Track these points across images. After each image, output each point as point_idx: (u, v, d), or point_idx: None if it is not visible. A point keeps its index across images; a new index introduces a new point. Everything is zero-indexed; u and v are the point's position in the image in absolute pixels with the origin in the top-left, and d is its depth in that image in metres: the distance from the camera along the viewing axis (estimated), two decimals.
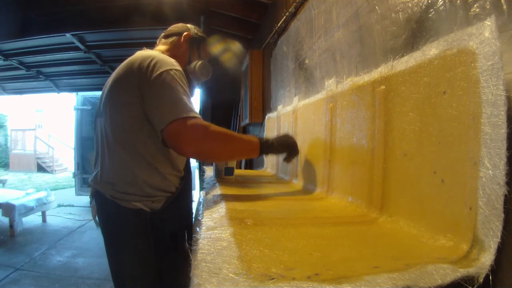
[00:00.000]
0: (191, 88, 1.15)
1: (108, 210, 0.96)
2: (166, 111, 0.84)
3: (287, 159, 1.11)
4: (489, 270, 0.43)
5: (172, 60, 0.93)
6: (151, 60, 0.89)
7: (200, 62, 1.11)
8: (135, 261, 0.95)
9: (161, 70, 0.87)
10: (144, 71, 0.88)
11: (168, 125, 0.83)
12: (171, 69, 0.89)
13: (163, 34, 1.14)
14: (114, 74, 0.96)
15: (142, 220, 0.93)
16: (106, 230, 0.99)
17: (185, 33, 1.11)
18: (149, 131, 0.91)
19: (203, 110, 3.55)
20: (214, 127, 0.88)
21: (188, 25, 1.16)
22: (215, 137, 0.88)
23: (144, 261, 0.95)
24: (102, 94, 0.99)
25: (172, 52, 1.08)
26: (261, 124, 2.37)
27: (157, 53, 0.97)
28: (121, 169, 0.93)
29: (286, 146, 1.05)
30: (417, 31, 0.67)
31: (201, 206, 0.93)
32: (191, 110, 0.85)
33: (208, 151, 0.90)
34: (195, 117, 0.85)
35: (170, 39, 1.11)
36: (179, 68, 0.93)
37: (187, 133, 0.83)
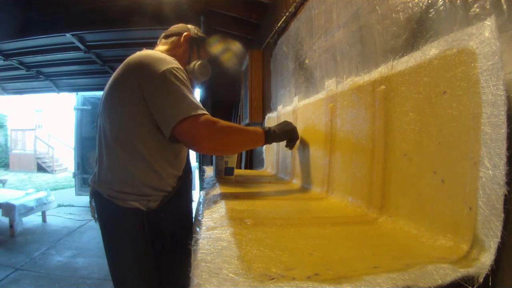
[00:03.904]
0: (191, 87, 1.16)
1: (106, 210, 0.97)
2: (174, 110, 0.86)
3: (289, 146, 1.19)
4: (489, 270, 0.43)
5: (172, 59, 0.94)
6: (151, 59, 0.90)
7: (199, 62, 1.11)
8: (132, 260, 0.95)
9: (163, 68, 0.88)
10: (145, 70, 0.88)
11: (179, 123, 0.85)
12: (173, 67, 0.90)
13: (163, 34, 1.15)
14: (114, 74, 0.96)
15: (139, 219, 0.93)
16: (104, 230, 0.99)
17: (185, 33, 1.12)
18: (148, 130, 0.91)
19: None
20: (223, 122, 0.92)
21: (189, 26, 1.16)
22: (225, 132, 0.92)
23: (142, 260, 0.95)
24: (103, 94, 0.99)
25: (172, 52, 1.08)
26: (261, 124, 2.37)
27: (157, 52, 0.98)
28: (119, 168, 0.94)
29: (287, 133, 1.11)
30: (417, 31, 0.67)
31: (201, 206, 0.93)
32: (198, 107, 0.88)
33: (222, 146, 0.95)
34: (204, 114, 0.87)
35: (170, 39, 1.12)
36: (179, 65, 0.94)
37: (200, 130, 0.87)
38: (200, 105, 0.90)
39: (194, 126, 0.86)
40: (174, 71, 0.89)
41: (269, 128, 1.05)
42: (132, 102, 0.90)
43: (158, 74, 0.87)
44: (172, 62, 0.92)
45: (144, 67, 0.89)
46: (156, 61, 0.90)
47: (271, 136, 1.04)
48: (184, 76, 0.92)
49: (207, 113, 0.89)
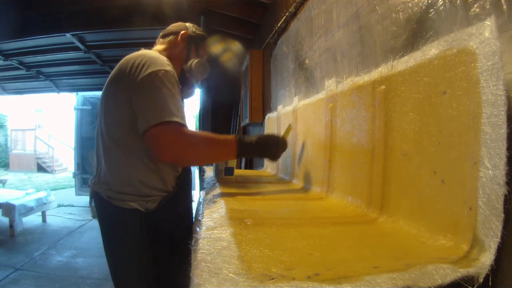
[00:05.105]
0: (189, 87, 1.15)
1: (105, 211, 0.97)
2: (148, 114, 0.85)
3: (271, 160, 1.08)
4: (489, 270, 0.43)
5: (164, 60, 0.92)
6: (141, 60, 0.89)
7: (196, 61, 1.10)
8: (131, 261, 0.95)
9: (149, 70, 0.87)
10: (133, 71, 0.88)
11: (148, 129, 0.84)
12: (160, 70, 0.88)
13: (161, 33, 1.14)
14: (110, 75, 0.96)
15: (137, 220, 0.93)
16: (104, 230, 0.99)
17: (182, 32, 1.10)
18: None
19: (203, 110, 3.54)
20: (192, 134, 0.91)
21: (187, 24, 1.15)
22: (191, 144, 0.90)
23: (140, 261, 0.95)
24: (101, 94, 1.00)
25: (169, 51, 1.08)
26: (261, 124, 2.37)
27: (151, 52, 0.97)
28: (116, 169, 0.94)
29: (266, 148, 1.02)
30: (417, 31, 0.67)
31: (201, 206, 0.93)
32: (172, 114, 0.85)
33: (183, 158, 0.94)
34: (175, 122, 0.85)
35: (168, 39, 1.11)
36: (169, 68, 0.91)
37: (164, 140, 0.85)
38: (177, 111, 0.86)
39: (159, 135, 0.85)
40: (161, 74, 0.87)
41: (246, 142, 0.98)
42: (125, 103, 0.89)
43: (143, 76, 0.86)
44: (163, 64, 0.90)
45: (133, 67, 0.88)
46: (147, 62, 0.89)
47: (244, 147, 0.97)
48: (172, 80, 0.90)
49: (179, 121, 0.86)
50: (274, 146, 1.04)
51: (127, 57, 0.93)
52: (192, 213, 1.14)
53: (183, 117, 0.88)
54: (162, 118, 0.84)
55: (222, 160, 1.17)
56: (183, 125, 0.87)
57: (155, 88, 0.86)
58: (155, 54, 0.94)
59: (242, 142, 0.97)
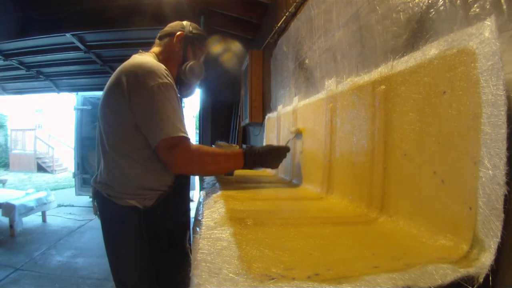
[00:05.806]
0: (186, 88, 1.16)
1: (105, 208, 0.99)
2: (155, 130, 0.90)
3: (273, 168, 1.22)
4: (489, 270, 0.43)
5: (162, 70, 0.93)
6: (142, 70, 0.91)
7: (191, 63, 1.09)
8: (132, 259, 0.97)
9: (151, 83, 0.89)
10: (134, 82, 0.90)
11: (158, 146, 0.90)
12: (160, 83, 0.90)
13: (158, 34, 1.13)
14: (109, 80, 0.97)
15: (136, 217, 0.95)
16: (104, 228, 1.01)
17: (178, 33, 1.09)
18: (140, 137, 0.93)
19: (203, 110, 3.54)
20: (200, 152, 1.01)
21: (184, 23, 1.13)
22: (200, 161, 1.00)
23: (140, 257, 0.96)
24: (101, 97, 1.00)
25: (165, 55, 1.08)
26: (261, 124, 2.37)
27: (149, 60, 0.97)
28: (116, 171, 0.96)
29: (273, 151, 1.15)
30: (417, 31, 0.67)
31: (201, 206, 0.93)
32: (178, 130, 0.91)
33: (194, 173, 1.11)
34: (180, 141, 0.92)
35: (163, 41, 1.10)
36: (168, 79, 0.93)
37: (176, 157, 0.93)
38: (182, 125, 0.93)
39: (170, 152, 0.91)
40: (162, 87, 0.90)
41: (252, 150, 1.10)
42: (123, 111, 0.91)
43: (145, 89, 0.89)
44: (161, 76, 0.91)
45: (133, 79, 0.90)
46: (146, 73, 0.90)
47: (250, 159, 1.08)
48: (171, 91, 0.93)
49: (185, 135, 0.92)
50: (276, 158, 1.16)
51: (126, 65, 0.94)
52: (189, 212, 1.16)
53: (185, 130, 0.93)
54: (167, 134, 0.89)
55: (228, 171, 1.27)
56: (189, 142, 0.94)
57: (157, 104, 0.90)
58: (152, 64, 0.94)
59: (248, 156, 1.08)
